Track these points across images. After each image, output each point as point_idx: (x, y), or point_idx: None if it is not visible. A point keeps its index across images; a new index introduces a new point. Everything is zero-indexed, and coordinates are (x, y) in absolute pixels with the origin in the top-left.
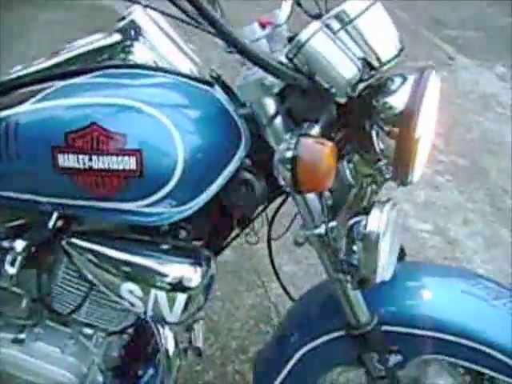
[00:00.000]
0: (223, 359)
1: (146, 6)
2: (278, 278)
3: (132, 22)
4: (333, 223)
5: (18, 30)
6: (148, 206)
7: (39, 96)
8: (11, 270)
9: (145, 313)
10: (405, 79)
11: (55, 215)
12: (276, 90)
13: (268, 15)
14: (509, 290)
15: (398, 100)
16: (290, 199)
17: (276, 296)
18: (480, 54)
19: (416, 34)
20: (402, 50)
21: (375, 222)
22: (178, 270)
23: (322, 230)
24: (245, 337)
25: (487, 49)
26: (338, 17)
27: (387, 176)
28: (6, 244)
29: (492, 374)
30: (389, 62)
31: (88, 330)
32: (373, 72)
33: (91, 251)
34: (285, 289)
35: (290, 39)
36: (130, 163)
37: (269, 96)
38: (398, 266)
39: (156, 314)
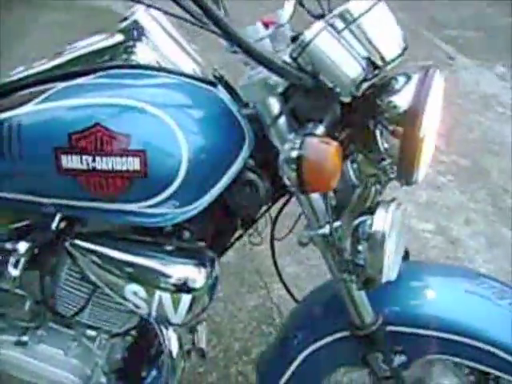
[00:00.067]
0: (226, 361)
1: (149, 6)
2: (281, 279)
3: (135, 22)
4: (337, 223)
5: (17, 32)
6: (152, 206)
7: (42, 97)
8: (14, 272)
9: (149, 314)
10: (409, 78)
11: (58, 216)
12: (280, 89)
13: (271, 15)
14: None
15: (402, 99)
16: (292, 200)
17: (278, 297)
18: (480, 54)
19: (416, 34)
20: (405, 49)
21: (381, 221)
22: (182, 270)
23: (326, 230)
24: (247, 338)
25: (487, 49)
26: (341, 16)
27: (391, 176)
28: (8, 246)
29: (497, 373)
30: (393, 61)
31: (91, 332)
32: (377, 71)
33: (95, 252)
34: (288, 290)
35: (294, 39)
36: (134, 164)
37: (273, 96)
38: (402, 266)
39: (160, 315)
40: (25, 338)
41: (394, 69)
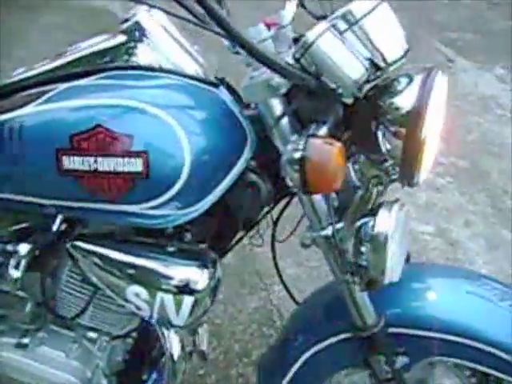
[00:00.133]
0: (226, 363)
1: (152, 7)
2: (282, 281)
3: (136, 23)
4: (339, 225)
5: (16, 33)
6: (153, 208)
7: (43, 98)
8: (15, 274)
9: (151, 316)
10: (411, 80)
11: (59, 218)
12: (283, 90)
13: (273, 16)
14: None
15: (404, 100)
16: (293, 202)
17: (279, 299)
18: (479, 56)
19: (415, 37)
20: (408, 50)
21: (384, 222)
22: (184, 272)
23: (328, 231)
24: (248, 340)
25: (487, 51)
26: (344, 17)
27: (393, 177)
28: (9, 247)
29: (498, 374)
30: (395, 62)
31: (92, 334)
32: (379, 73)
33: (96, 254)
34: (289, 292)
35: (296, 40)
36: (136, 165)
37: (275, 97)
38: (404, 267)
39: (162, 317)
40: (25, 341)
41: (396, 70)
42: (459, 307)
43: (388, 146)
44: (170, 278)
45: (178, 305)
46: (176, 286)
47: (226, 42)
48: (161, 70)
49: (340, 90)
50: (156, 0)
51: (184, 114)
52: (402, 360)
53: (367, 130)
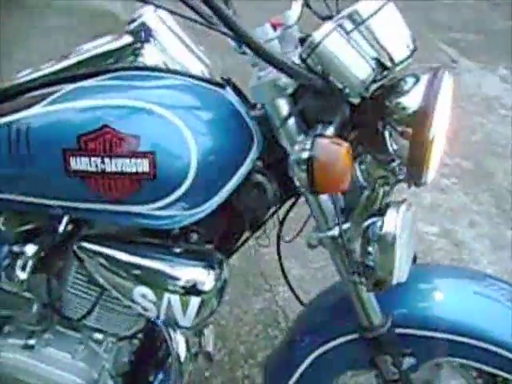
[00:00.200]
0: (232, 364)
1: (158, 7)
2: (287, 282)
3: (143, 23)
4: (346, 225)
5: (17, 35)
6: (160, 209)
7: (50, 99)
8: (22, 275)
9: (157, 317)
10: (417, 79)
11: (66, 219)
12: (289, 91)
13: (279, 16)
14: None
15: (411, 100)
16: (299, 202)
17: (284, 300)
18: (483, 57)
19: (418, 37)
20: (414, 50)
21: (391, 222)
22: (191, 273)
23: (335, 231)
24: (253, 341)
25: (490, 51)
26: (350, 17)
27: (400, 177)
28: (16, 249)
29: (505, 375)
30: (402, 62)
31: (98, 336)
32: (386, 72)
33: (102, 255)
34: (294, 293)
35: (302, 40)
36: (143, 165)
37: (282, 97)
38: (410, 268)
39: (169, 318)
40: (31, 342)
41: (402, 70)
42: (466, 308)
43: (395, 146)
44: (177, 279)
45: (185, 306)
46: (183, 287)
47: (231, 43)
48: (167, 70)
49: (347, 90)
50: (162, 0)
51: (191, 114)
52: (408, 361)
53: (374, 129)
